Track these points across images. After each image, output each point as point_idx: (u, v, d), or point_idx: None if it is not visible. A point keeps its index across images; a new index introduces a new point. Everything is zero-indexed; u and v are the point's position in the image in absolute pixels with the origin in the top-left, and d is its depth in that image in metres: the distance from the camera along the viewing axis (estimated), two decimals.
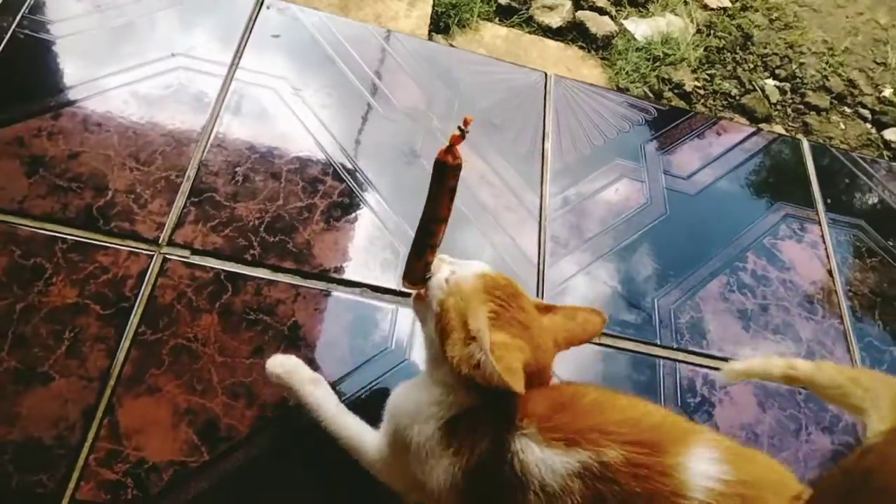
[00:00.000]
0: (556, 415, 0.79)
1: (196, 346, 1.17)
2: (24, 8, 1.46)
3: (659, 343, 1.41)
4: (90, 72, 1.42)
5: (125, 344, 1.14)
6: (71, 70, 1.42)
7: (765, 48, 2.95)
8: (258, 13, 1.63)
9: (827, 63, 2.97)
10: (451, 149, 0.87)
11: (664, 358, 1.39)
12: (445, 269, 0.94)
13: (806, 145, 1.88)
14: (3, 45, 1.39)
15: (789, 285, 1.56)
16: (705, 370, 1.40)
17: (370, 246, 1.38)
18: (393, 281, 1.34)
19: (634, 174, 1.65)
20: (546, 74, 1.78)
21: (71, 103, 1.37)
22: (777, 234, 1.64)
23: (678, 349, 1.41)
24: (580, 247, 1.49)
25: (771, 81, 2.88)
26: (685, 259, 1.54)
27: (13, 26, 1.43)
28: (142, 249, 1.24)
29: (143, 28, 1.51)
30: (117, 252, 1.23)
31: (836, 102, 2.92)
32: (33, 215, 1.22)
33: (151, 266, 1.23)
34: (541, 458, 0.77)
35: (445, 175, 0.90)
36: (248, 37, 1.58)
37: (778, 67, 2.91)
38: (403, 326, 1.29)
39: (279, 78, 1.54)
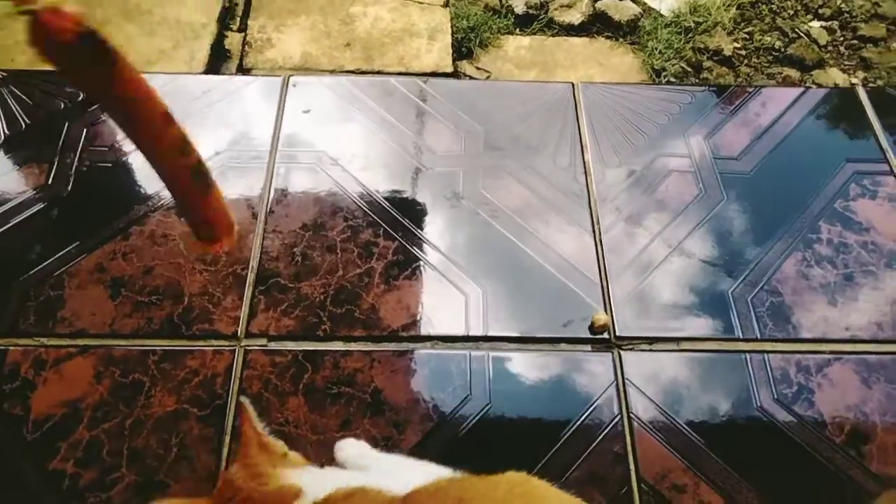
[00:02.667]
0: None
1: (289, 430, 1.23)
2: (82, 141, 1.60)
3: (741, 337, 1.37)
4: (147, 187, 1.53)
5: (226, 440, 1.22)
6: (132, 189, 1.53)
7: None
8: (286, 93, 1.71)
9: None
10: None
11: (750, 352, 1.35)
12: None
13: (862, 93, 1.77)
14: (71, 183, 1.52)
15: (871, 247, 1.48)
16: (797, 356, 1.35)
17: (432, 296, 1.41)
18: (461, 326, 1.37)
19: (682, 166, 1.61)
20: (573, 84, 1.77)
21: (137, 221, 1.48)
22: (847, 195, 1.56)
23: (763, 339, 1.37)
24: (640, 255, 1.47)
25: (816, 23, 2.73)
26: (753, 242, 1.49)
27: (76, 161, 1.56)
28: (224, 346, 1.33)
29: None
30: (203, 353, 1.32)
31: (893, 29, 2.73)
32: (124, 334, 1.33)
33: (235, 360, 1.31)
34: None
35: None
36: (282, 119, 1.66)
37: (821, 7, 2.75)
38: (479, 371, 1.31)
39: (317, 152, 1.60)
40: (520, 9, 2.66)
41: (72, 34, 0.65)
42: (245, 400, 0.88)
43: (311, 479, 0.84)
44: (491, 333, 1.36)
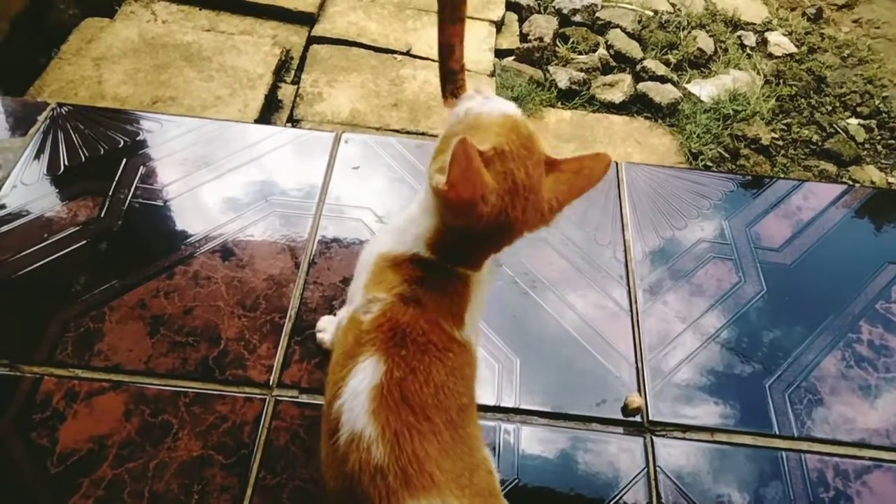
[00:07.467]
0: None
1: (312, 487, 1.21)
2: (137, 179, 1.64)
3: (778, 433, 1.34)
4: (196, 229, 1.56)
5: (248, 492, 1.20)
6: (180, 229, 1.56)
7: (841, 87, 2.86)
8: (338, 149, 1.75)
9: None
10: None
11: (786, 450, 1.32)
12: (474, 100, 0.89)
13: None
14: (122, 218, 1.56)
15: None
16: (835, 459, 1.31)
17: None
18: (492, 396, 1.36)
19: (723, 253, 1.61)
20: (617, 164, 1.79)
21: (182, 261, 1.50)
22: (889, 297, 1.55)
23: (800, 438, 1.34)
24: (678, 339, 1.46)
25: (854, 121, 2.77)
26: (792, 336, 1.48)
27: (129, 198, 1.60)
28: (255, 394, 1.32)
29: (237, 180, 1.66)
30: (234, 400, 1.31)
31: None
32: (158, 373, 1.33)
33: (265, 410, 1.30)
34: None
35: None
36: (331, 173, 1.69)
37: (859, 105, 2.80)
38: (509, 443, 1.29)
39: (363, 208, 1.63)
40: (563, 83, 2.74)
41: None
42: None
43: None
44: (523, 406, 1.35)
